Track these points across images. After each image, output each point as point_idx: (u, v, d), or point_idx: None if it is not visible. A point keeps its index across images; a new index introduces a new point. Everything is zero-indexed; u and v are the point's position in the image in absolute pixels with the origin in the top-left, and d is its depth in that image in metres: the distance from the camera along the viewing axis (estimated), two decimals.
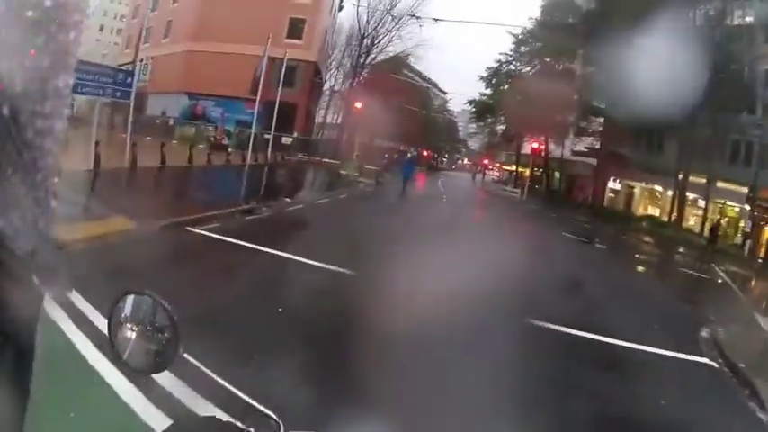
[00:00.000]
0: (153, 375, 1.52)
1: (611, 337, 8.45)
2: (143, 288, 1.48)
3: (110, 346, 1.48)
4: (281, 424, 1.42)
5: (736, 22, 29.93)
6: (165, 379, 4.32)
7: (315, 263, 9.73)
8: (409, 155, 29.93)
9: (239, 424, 1.44)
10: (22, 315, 0.67)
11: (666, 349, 8.44)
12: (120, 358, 1.48)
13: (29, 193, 0.65)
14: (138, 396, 4.21)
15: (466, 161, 69.48)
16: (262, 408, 1.45)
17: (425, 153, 52.49)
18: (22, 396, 0.71)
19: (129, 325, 1.47)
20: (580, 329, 8.54)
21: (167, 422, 3.79)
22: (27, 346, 0.70)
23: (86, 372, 4.46)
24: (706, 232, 30.32)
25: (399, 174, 27.96)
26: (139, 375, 1.49)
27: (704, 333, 9.83)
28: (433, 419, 4.67)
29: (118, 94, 17.07)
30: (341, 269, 9.49)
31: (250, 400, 1.46)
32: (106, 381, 4.31)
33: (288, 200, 17.40)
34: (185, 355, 1.46)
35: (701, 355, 8.67)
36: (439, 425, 4.61)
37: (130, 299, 1.48)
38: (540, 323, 8.34)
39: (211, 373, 1.51)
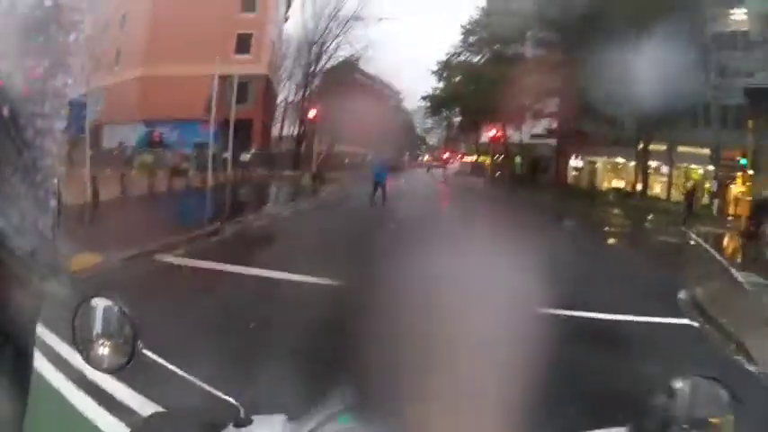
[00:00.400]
0: (116, 373, 1.58)
1: (591, 311, 8.50)
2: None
3: (75, 347, 1.54)
4: (242, 408, 1.47)
5: None
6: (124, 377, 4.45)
7: (280, 274, 9.71)
8: (380, 157, 28.88)
9: (204, 415, 1.52)
10: (22, 315, 0.64)
11: (647, 315, 8.53)
12: (84, 358, 1.55)
13: (29, 192, 0.61)
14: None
15: (426, 157, 69.63)
16: (222, 395, 1.49)
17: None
18: (22, 396, 0.67)
19: (91, 327, 1.54)
20: (558, 308, 8.59)
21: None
22: (27, 346, 0.67)
23: (59, 403, 4.50)
24: (672, 198, 30.95)
25: (364, 179, 27.69)
26: (104, 373, 1.59)
27: (682, 295, 9.97)
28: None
29: (73, 128, 16.74)
30: (307, 278, 9.42)
31: (210, 389, 1.50)
32: (82, 413, 4.38)
33: (251, 216, 17.33)
34: (145, 351, 1.53)
35: (682, 317, 8.79)
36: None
37: (91, 302, 1.54)
38: (520, 307, 8.32)
39: (171, 366, 1.53)
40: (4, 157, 0.55)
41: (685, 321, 8.60)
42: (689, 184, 29.63)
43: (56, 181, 0.60)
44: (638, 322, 8.30)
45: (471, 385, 1.28)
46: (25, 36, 0.58)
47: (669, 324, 8.46)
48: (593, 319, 8.26)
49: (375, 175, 23.80)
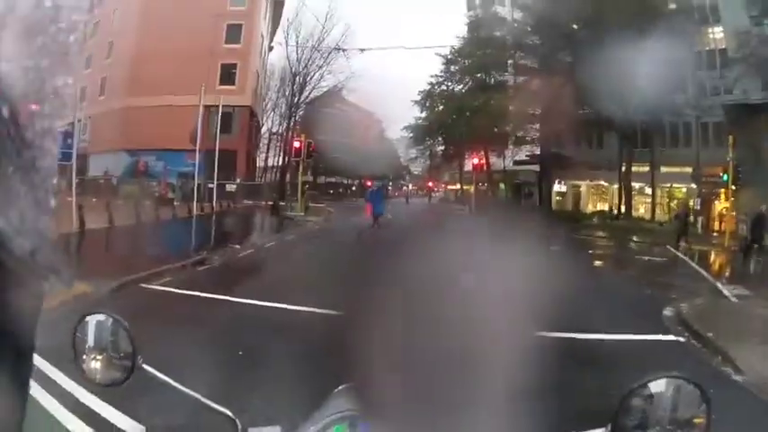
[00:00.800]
0: (116, 388, 1.64)
1: (578, 332, 8.50)
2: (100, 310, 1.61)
3: (75, 364, 1.58)
4: (238, 421, 1.49)
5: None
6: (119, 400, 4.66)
7: (266, 303, 9.69)
8: (376, 185, 27.17)
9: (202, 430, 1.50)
10: (22, 315, 0.66)
11: (633, 334, 8.54)
12: (84, 375, 1.59)
13: (29, 192, 0.63)
14: None
15: (411, 186, 69.70)
16: (219, 407, 1.52)
17: (368, 183, 52.70)
18: (22, 396, 0.69)
19: (91, 344, 1.58)
20: (547, 331, 8.58)
21: None
22: (27, 346, 0.69)
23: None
24: (657, 218, 31.53)
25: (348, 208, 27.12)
26: (104, 389, 1.59)
27: (667, 312, 10.04)
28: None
29: (59, 156, 16.70)
30: (291, 306, 9.39)
31: (207, 401, 1.54)
32: None
33: (237, 246, 17.27)
34: (144, 366, 1.56)
35: (667, 333, 8.84)
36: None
37: (90, 319, 1.59)
38: (505, 332, 8.23)
39: (169, 380, 1.56)
40: (4, 156, 0.58)
41: (671, 338, 8.65)
42: (676, 204, 29.79)
43: (55, 181, 0.63)
44: (624, 341, 8.32)
45: (461, 401, 1.32)
46: (25, 36, 0.61)
47: (656, 341, 8.49)
48: (582, 339, 8.26)
49: (372, 204, 22.35)
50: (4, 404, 0.66)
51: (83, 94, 35.43)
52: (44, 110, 0.66)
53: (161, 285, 11.24)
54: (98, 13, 38.99)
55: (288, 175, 44.31)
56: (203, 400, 1.54)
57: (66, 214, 16.36)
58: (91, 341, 1.58)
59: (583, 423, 1.46)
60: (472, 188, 44.84)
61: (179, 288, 11.08)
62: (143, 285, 11.07)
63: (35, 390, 4.94)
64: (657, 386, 1.34)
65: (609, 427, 1.34)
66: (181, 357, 6.67)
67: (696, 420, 1.33)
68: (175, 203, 27.35)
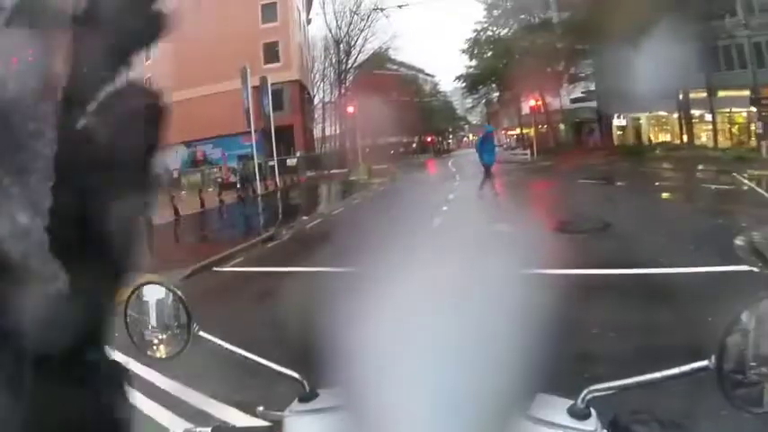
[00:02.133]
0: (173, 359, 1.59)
1: (647, 267, 8.39)
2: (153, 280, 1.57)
3: (129, 339, 1.53)
4: (306, 383, 1.43)
5: None
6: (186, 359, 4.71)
7: (338, 269, 9.73)
8: (485, 129, 23.15)
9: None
10: (21, 315, 0.66)
11: (705, 266, 8.31)
12: (139, 348, 1.56)
13: (22, 194, 0.62)
14: None
15: (471, 137, 68.71)
16: (285, 370, 1.48)
17: (429, 139, 52.06)
18: (23, 396, 0.68)
19: (144, 314, 1.55)
20: (614, 268, 8.48)
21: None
22: (27, 346, 0.68)
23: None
24: (720, 145, 30.30)
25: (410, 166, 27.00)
26: (160, 361, 1.52)
27: (739, 241, 9.70)
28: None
29: None
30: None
31: (272, 365, 1.50)
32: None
33: (305, 218, 17.49)
34: (201, 333, 1.53)
35: (739, 264, 8.57)
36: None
37: (142, 290, 1.55)
38: (572, 271, 8.02)
39: (229, 346, 1.54)
40: None
41: (744, 268, 8.39)
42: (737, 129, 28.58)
43: (51, 184, 0.59)
44: (696, 273, 8.10)
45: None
46: (18, 38, 0.57)
47: (728, 272, 8.24)
48: (652, 274, 8.15)
49: (481, 154, 19.43)
50: (4, 405, 0.60)
51: None
52: (36, 112, 0.57)
53: (232, 267, 11.53)
54: None
55: (347, 142, 44.50)
56: (269, 364, 1.51)
57: None
58: (144, 312, 1.55)
59: (672, 358, 1.32)
60: (532, 131, 44.01)
61: (250, 266, 11.35)
62: (215, 269, 11.37)
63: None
64: (764, 307, 1.19)
65: (713, 359, 1.19)
66: (250, 329, 6.90)
67: None
68: (238, 186, 27.87)
